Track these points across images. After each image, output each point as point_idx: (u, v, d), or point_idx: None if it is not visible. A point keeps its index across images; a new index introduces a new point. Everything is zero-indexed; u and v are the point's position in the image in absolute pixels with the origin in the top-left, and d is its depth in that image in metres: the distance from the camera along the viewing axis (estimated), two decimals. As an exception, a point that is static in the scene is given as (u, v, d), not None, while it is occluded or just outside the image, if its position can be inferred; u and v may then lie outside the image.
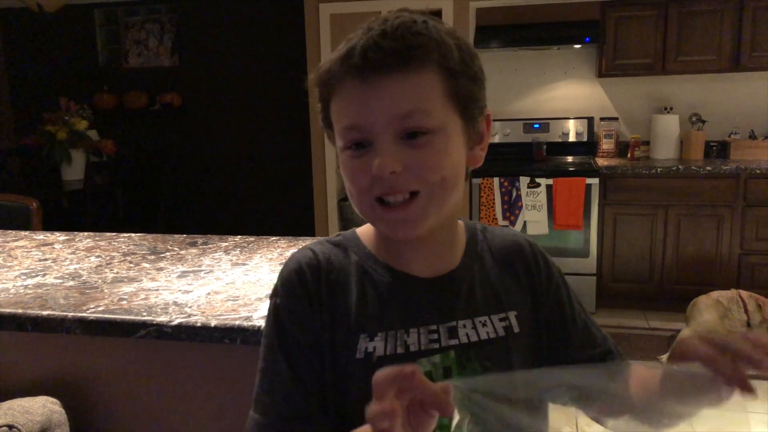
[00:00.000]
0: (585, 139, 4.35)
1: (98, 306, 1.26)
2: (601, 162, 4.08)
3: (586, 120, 4.35)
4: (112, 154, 4.30)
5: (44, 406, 1.17)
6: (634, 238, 3.92)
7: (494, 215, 3.99)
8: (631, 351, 3.45)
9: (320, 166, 4.25)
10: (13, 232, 2.01)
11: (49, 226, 2.40)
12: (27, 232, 1.99)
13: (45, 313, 1.23)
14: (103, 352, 1.32)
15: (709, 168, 3.75)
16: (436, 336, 0.79)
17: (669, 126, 4.11)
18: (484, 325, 0.81)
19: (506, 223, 3.97)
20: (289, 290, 0.80)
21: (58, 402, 1.21)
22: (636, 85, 4.28)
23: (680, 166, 3.81)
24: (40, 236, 1.92)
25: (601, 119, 4.34)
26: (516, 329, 0.83)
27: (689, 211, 3.81)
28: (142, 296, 1.32)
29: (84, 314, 1.22)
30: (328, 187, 4.26)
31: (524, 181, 3.91)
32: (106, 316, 1.21)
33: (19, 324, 1.24)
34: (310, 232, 4.43)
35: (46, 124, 4.09)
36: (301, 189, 4.77)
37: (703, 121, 4.07)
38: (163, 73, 5.26)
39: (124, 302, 1.28)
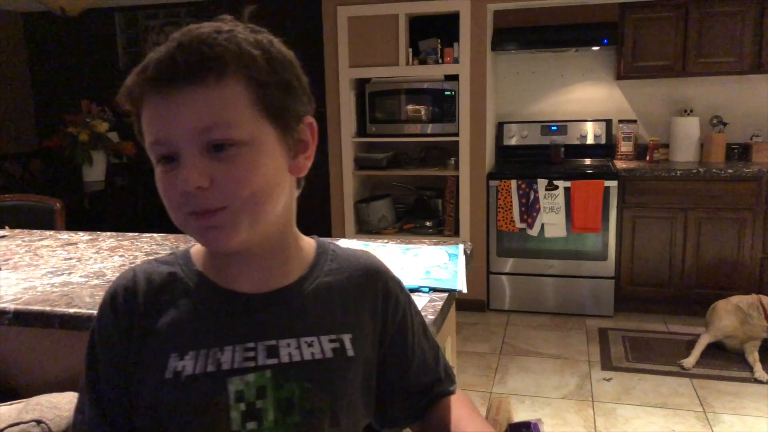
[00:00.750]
0: (603, 141, 4.33)
1: (123, 304, 1.28)
2: (620, 164, 4.06)
3: (604, 122, 4.33)
4: (132, 155, 4.35)
5: (71, 402, 1.19)
6: (654, 241, 3.89)
7: (512, 218, 3.98)
8: (651, 355, 3.42)
9: (337, 168, 4.27)
10: (38, 231, 2.04)
11: (70, 226, 2.44)
12: (51, 232, 2.02)
13: (71, 311, 1.26)
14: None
15: (730, 171, 3.71)
16: (252, 354, 0.77)
17: (689, 128, 4.07)
18: (309, 345, 0.79)
19: (524, 225, 3.96)
20: (101, 317, 0.81)
21: (84, 398, 1.22)
22: (655, 87, 4.25)
23: (701, 169, 3.77)
24: (65, 236, 1.95)
25: (620, 121, 4.32)
26: (350, 353, 0.81)
27: (710, 214, 3.77)
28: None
29: (110, 312, 1.24)
30: (344, 189, 4.28)
31: (542, 183, 3.89)
32: (132, 313, 1.23)
33: (46, 321, 1.26)
34: (326, 233, 4.45)
35: (69, 126, 4.15)
36: (318, 191, 4.79)
37: (724, 124, 4.03)
38: (182, 75, 5.31)
39: (149, 300, 1.30)
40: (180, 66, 0.69)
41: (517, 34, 4.21)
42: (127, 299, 0.81)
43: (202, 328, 0.79)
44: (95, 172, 4.32)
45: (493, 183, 4.01)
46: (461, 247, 1.55)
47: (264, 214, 0.74)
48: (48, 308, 1.27)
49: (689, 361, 3.25)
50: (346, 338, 0.81)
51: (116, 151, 4.35)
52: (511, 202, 3.97)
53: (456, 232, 4.16)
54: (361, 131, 4.28)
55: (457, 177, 4.08)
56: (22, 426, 1.12)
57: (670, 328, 3.81)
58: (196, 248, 0.84)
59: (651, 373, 3.24)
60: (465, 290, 1.30)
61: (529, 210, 3.94)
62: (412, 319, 0.90)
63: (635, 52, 3.98)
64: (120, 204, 4.04)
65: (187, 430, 0.76)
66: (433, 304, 1.25)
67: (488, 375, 3.30)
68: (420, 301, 1.23)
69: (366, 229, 4.26)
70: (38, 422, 1.13)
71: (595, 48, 4.17)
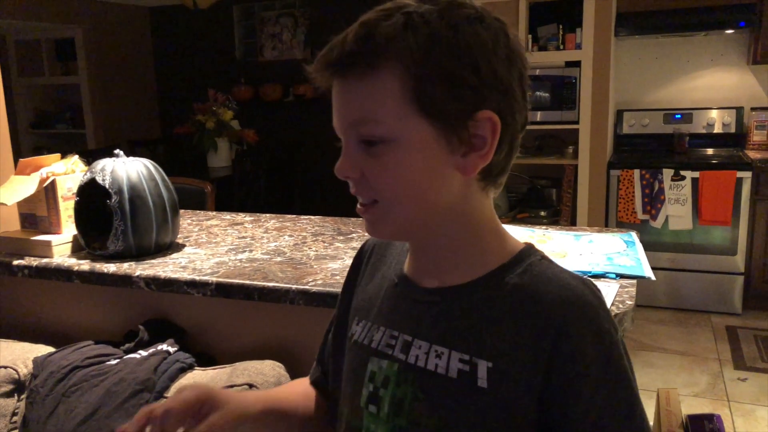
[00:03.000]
0: (733, 130, 4.11)
1: (316, 280, 1.35)
2: (753, 155, 3.84)
3: (734, 110, 4.10)
4: (253, 143, 4.53)
5: (273, 369, 1.27)
6: (790, 236, 3.66)
7: (633, 209, 3.86)
8: (788, 356, 3.24)
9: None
10: (202, 212, 2.17)
11: (203, 208, 2.58)
12: (214, 213, 2.14)
13: (270, 284, 1.33)
14: (318, 322, 1.40)
15: None
16: (393, 342, 0.77)
17: (832, 116, 3.80)
18: (438, 355, 0.72)
19: (647, 217, 3.83)
20: (354, 259, 0.95)
21: (282, 366, 1.31)
22: (794, 73, 3.99)
23: None
24: (228, 216, 2.06)
25: (752, 109, 4.08)
26: (482, 383, 0.68)
27: None
28: (352, 272, 1.39)
29: (306, 287, 1.31)
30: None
31: (668, 173, 3.75)
32: (327, 289, 1.30)
33: (247, 294, 1.35)
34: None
35: (197, 114, 4.37)
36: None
37: None
38: (296, 65, 5.46)
39: (337, 276, 1.36)
40: (333, 60, 0.68)
41: (640, 18, 4.05)
42: (365, 253, 0.94)
43: (377, 302, 0.84)
44: (219, 158, 4.54)
45: (614, 172, 3.90)
46: (634, 234, 1.53)
47: (416, 213, 0.72)
48: (248, 281, 1.35)
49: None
50: (483, 365, 0.69)
51: (239, 138, 4.55)
52: (634, 192, 3.85)
53: (573, 223, 4.08)
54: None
55: (576, 166, 4.00)
56: (236, 388, 1.21)
57: (806, 328, 3.59)
58: None
59: (790, 375, 3.07)
60: (654, 277, 1.29)
61: (653, 201, 3.80)
62: (599, 389, 0.67)
63: (775, 35, 3.74)
64: (246, 189, 4.23)
65: (344, 387, 0.85)
66: (627, 290, 1.24)
67: (612, 368, 3.23)
68: (610, 290, 1.23)
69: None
70: (250, 386, 1.21)
71: (729, 31, 3.96)
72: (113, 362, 1.37)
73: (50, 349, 1.49)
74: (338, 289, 1.28)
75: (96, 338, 1.52)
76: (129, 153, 1.65)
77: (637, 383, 0.70)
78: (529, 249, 0.76)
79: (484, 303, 0.72)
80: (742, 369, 3.16)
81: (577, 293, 0.69)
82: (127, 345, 1.44)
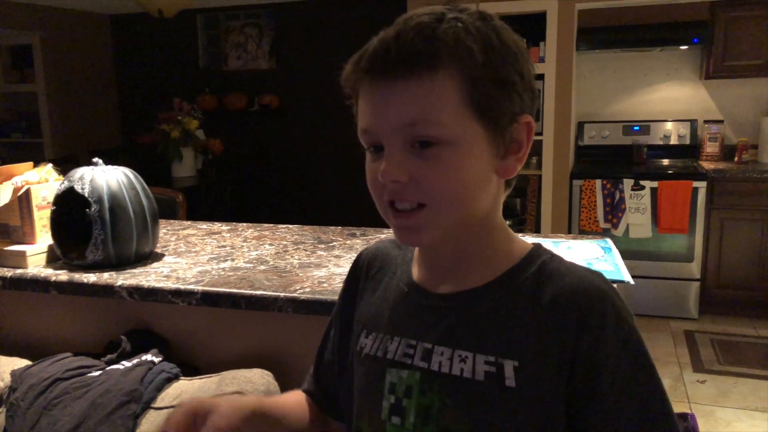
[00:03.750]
0: (687, 141, 4.28)
1: (304, 287, 1.35)
2: (707, 165, 4.00)
3: (688, 122, 4.27)
4: (219, 152, 4.49)
5: (262, 377, 1.27)
6: (743, 243, 3.82)
7: (596, 217, 3.97)
8: (743, 359, 3.38)
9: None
10: (177, 221, 2.15)
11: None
12: (189, 222, 2.12)
13: (258, 292, 1.34)
14: (306, 329, 1.41)
15: (827, 172, 3.63)
16: (412, 351, 0.76)
17: (780, 129, 3.99)
18: (462, 360, 0.72)
19: (608, 225, 3.94)
20: (350, 272, 0.94)
21: (271, 374, 1.30)
22: (744, 87, 4.18)
23: (795, 171, 3.70)
24: (204, 226, 2.05)
25: (705, 122, 4.26)
26: (510, 382, 0.69)
27: (803, 216, 3.69)
28: (338, 280, 1.40)
29: (295, 294, 1.31)
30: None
31: (628, 183, 3.87)
32: (316, 296, 1.30)
33: (234, 302, 1.34)
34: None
35: (162, 123, 4.31)
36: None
37: (818, 125, 3.94)
38: (261, 75, 5.45)
39: (325, 284, 1.37)
40: (393, 58, 0.67)
41: (600, 33, 4.19)
42: (363, 265, 0.92)
43: (386, 313, 0.82)
44: (184, 168, 4.48)
45: (576, 182, 4.01)
46: (610, 240, 1.58)
47: (463, 216, 0.72)
48: (235, 290, 1.35)
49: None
50: (509, 365, 0.69)
51: (204, 148, 4.50)
52: (596, 201, 3.96)
53: (537, 232, 4.17)
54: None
55: (540, 176, 4.09)
56: (226, 397, 1.20)
57: (759, 332, 3.74)
58: None
59: (746, 376, 3.19)
60: (633, 281, 1.33)
61: (614, 210, 3.92)
62: (619, 374, 0.68)
63: (726, 52, 3.93)
64: (212, 198, 4.19)
65: (358, 401, 0.83)
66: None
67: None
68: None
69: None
70: (240, 394, 1.21)
71: (683, 47, 4.13)
72: (95, 374, 1.35)
73: (27, 362, 1.46)
74: (327, 297, 1.30)
75: (75, 350, 1.49)
76: (88, 163, 1.62)
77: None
78: (539, 248, 0.78)
79: (503, 303, 0.73)
80: (700, 372, 3.27)
81: (594, 284, 0.71)
82: (108, 356, 1.42)
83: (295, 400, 0.97)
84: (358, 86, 0.72)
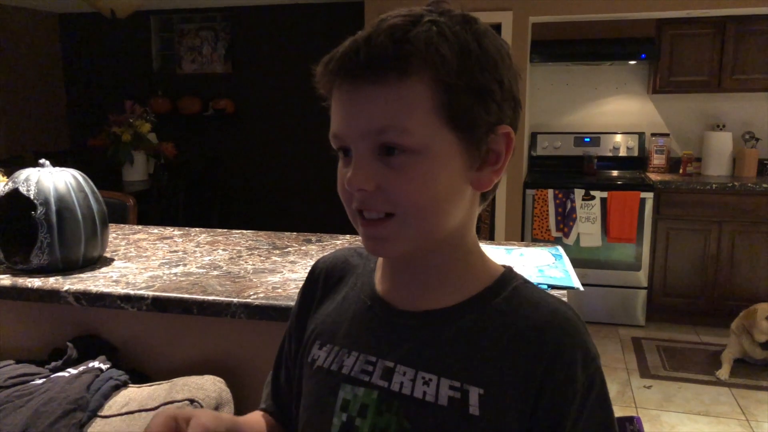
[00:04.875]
0: (636, 154, 4.42)
1: (258, 293, 1.34)
2: (653, 177, 4.14)
3: (636, 135, 4.41)
4: (171, 156, 4.41)
5: (214, 384, 1.25)
6: (687, 252, 3.96)
7: (548, 227, 4.05)
8: (687, 364, 3.49)
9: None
10: (127, 226, 2.10)
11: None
12: (140, 227, 2.07)
13: (210, 298, 1.31)
14: (260, 335, 1.39)
15: (765, 185, 3.79)
16: (371, 368, 0.73)
17: (722, 143, 4.16)
18: (425, 383, 0.69)
19: (560, 234, 4.03)
20: (305, 282, 0.90)
21: (223, 381, 1.28)
22: (689, 102, 4.34)
23: (735, 183, 3.86)
24: (155, 230, 2.00)
25: (652, 135, 4.40)
26: (473, 410, 0.66)
27: (743, 227, 3.85)
28: (293, 286, 1.39)
29: (248, 300, 1.30)
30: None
31: (579, 193, 3.97)
32: (270, 302, 1.29)
33: (185, 308, 1.32)
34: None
35: (113, 126, 4.21)
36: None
37: (757, 139, 4.12)
38: (216, 79, 5.38)
39: (279, 290, 1.36)
40: (362, 62, 0.64)
41: (552, 46, 4.29)
42: (320, 274, 0.88)
43: (344, 325, 0.79)
44: (135, 172, 4.38)
45: (529, 192, 4.09)
46: (561, 248, 1.62)
47: (432, 228, 0.69)
48: (187, 295, 1.32)
49: (722, 373, 3.32)
50: (474, 392, 0.67)
51: (156, 152, 4.41)
52: (548, 211, 4.04)
53: (491, 239, 4.22)
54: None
55: (494, 185, 4.15)
56: (176, 404, 1.18)
57: (702, 338, 3.87)
58: None
59: (689, 381, 3.30)
60: (582, 288, 1.37)
61: (566, 219, 4.01)
62: (583, 412, 0.67)
63: (672, 67, 4.07)
64: (163, 203, 4.11)
65: (304, 415, 0.79)
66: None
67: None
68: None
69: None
70: (191, 401, 1.18)
71: (631, 62, 4.27)
72: (39, 381, 1.30)
73: (-35, 371, 1.39)
74: (281, 302, 1.29)
75: (17, 358, 1.43)
76: (34, 165, 1.57)
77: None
78: (510, 272, 0.76)
79: (473, 327, 0.70)
80: (647, 377, 3.37)
81: (567, 317, 0.70)
82: (53, 363, 1.37)
83: (256, 420, 0.92)
84: (330, 88, 0.69)
